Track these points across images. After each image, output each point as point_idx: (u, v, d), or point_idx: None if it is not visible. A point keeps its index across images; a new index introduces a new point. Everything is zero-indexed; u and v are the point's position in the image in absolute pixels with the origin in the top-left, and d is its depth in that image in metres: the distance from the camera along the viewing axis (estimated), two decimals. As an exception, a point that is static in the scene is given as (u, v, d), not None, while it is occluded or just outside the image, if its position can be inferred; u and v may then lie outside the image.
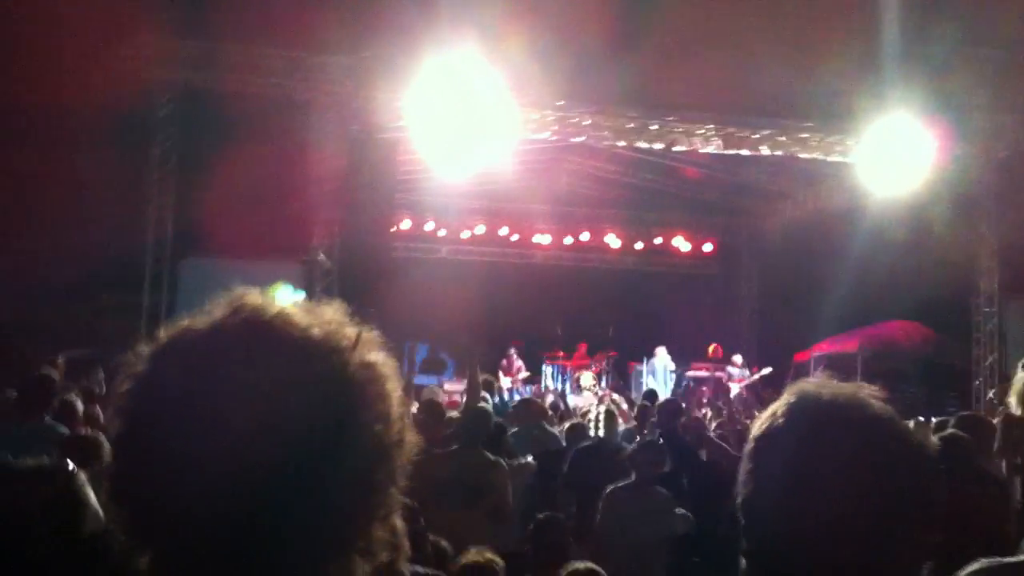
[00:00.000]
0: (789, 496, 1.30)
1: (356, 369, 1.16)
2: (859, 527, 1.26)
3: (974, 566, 1.77)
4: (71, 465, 2.36)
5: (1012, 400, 5.14)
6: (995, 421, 6.95)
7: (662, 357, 19.74)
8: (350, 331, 1.19)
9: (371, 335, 1.22)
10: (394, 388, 1.20)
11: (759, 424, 1.42)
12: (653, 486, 6.22)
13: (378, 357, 1.20)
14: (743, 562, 1.37)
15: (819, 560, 1.26)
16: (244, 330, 1.15)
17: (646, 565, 5.99)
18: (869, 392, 1.39)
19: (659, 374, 19.62)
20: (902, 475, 1.31)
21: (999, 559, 1.77)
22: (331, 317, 1.21)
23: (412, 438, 1.22)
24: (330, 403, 1.12)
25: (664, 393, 17.85)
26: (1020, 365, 5.60)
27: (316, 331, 1.16)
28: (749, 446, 1.41)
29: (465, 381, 15.39)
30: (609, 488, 6.14)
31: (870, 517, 1.26)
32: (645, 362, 19.97)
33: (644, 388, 18.98)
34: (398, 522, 1.22)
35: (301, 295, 15.25)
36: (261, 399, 1.08)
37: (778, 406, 1.42)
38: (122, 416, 1.16)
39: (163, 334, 1.19)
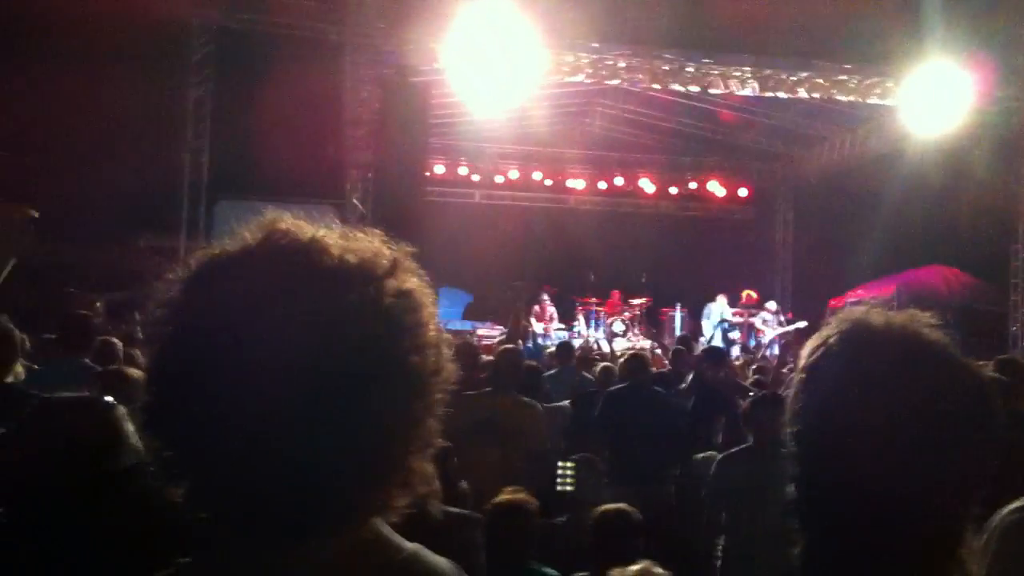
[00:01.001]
0: (845, 423, 1.27)
1: (392, 297, 1.14)
2: (915, 453, 1.24)
3: (1018, 503, 1.76)
4: (110, 398, 2.38)
5: None
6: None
7: (720, 303, 19.56)
8: (387, 258, 1.18)
9: (408, 261, 1.20)
10: (431, 316, 1.19)
11: (809, 352, 1.38)
12: (777, 447, 5.92)
13: (415, 284, 1.19)
14: (794, 493, 1.34)
15: (874, 487, 1.24)
16: (278, 256, 1.14)
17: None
18: (923, 319, 1.36)
19: (714, 320, 19.45)
20: (960, 400, 1.27)
21: None
22: (368, 243, 1.19)
23: (450, 368, 1.20)
24: (366, 332, 1.10)
25: (714, 340, 17.88)
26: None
27: (351, 257, 1.15)
28: (800, 375, 1.37)
29: (499, 327, 15.43)
30: (721, 455, 5.66)
31: (927, 442, 1.24)
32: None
33: (678, 334, 18.99)
34: (429, 466, 1.21)
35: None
36: (296, 327, 1.07)
37: (828, 332, 1.37)
38: (154, 345, 1.15)
39: (195, 259, 1.17)
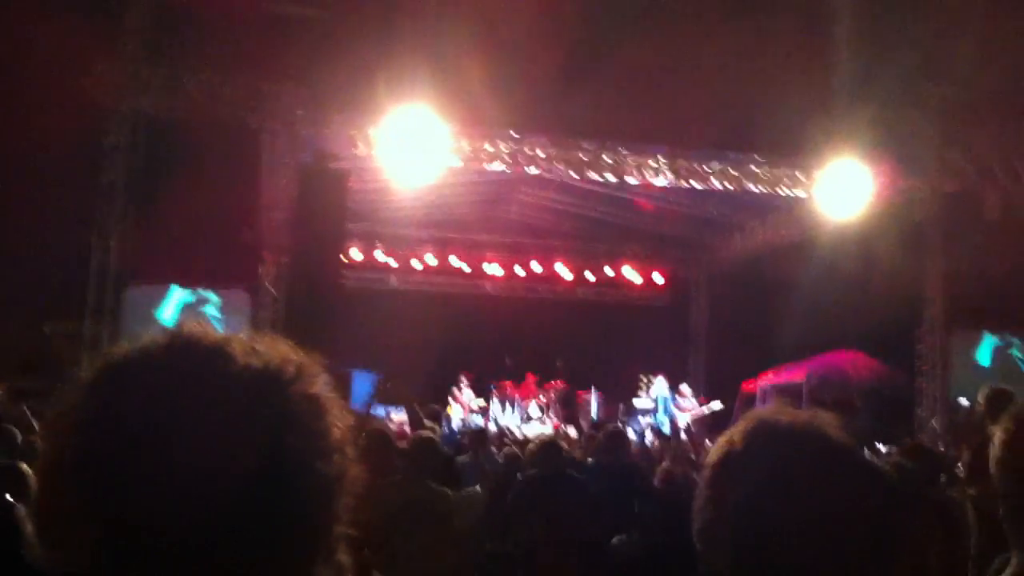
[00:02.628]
0: (749, 523, 1.28)
1: (298, 403, 1.12)
2: (819, 554, 1.25)
3: None
4: (7, 497, 2.28)
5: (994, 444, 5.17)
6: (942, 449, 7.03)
7: (661, 383, 19.53)
8: (293, 363, 1.15)
9: (314, 367, 1.18)
10: (337, 421, 1.16)
11: (716, 450, 1.41)
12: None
13: (321, 389, 1.16)
14: None
15: None
16: (183, 361, 1.11)
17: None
18: (824, 419, 1.39)
19: (660, 403, 19.41)
20: (862, 501, 1.30)
21: None
22: (274, 349, 1.16)
23: (355, 472, 1.17)
24: (272, 438, 1.07)
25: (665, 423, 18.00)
26: (959, 399, 5.66)
27: (257, 362, 1.12)
28: (706, 472, 1.39)
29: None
30: None
31: (830, 544, 1.25)
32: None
33: (592, 418, 19.01)
34: (344, 557, 1.18)
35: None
36: (199, 434, 1.04)
37: (735, 432, 1.41)
38: (49, 448, 1.11)
39: (98, 362, 1.14)
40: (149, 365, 1.11)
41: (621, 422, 18.92)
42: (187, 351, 1.12)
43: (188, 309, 15.31)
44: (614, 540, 6.70)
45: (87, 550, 1.05)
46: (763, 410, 1.42)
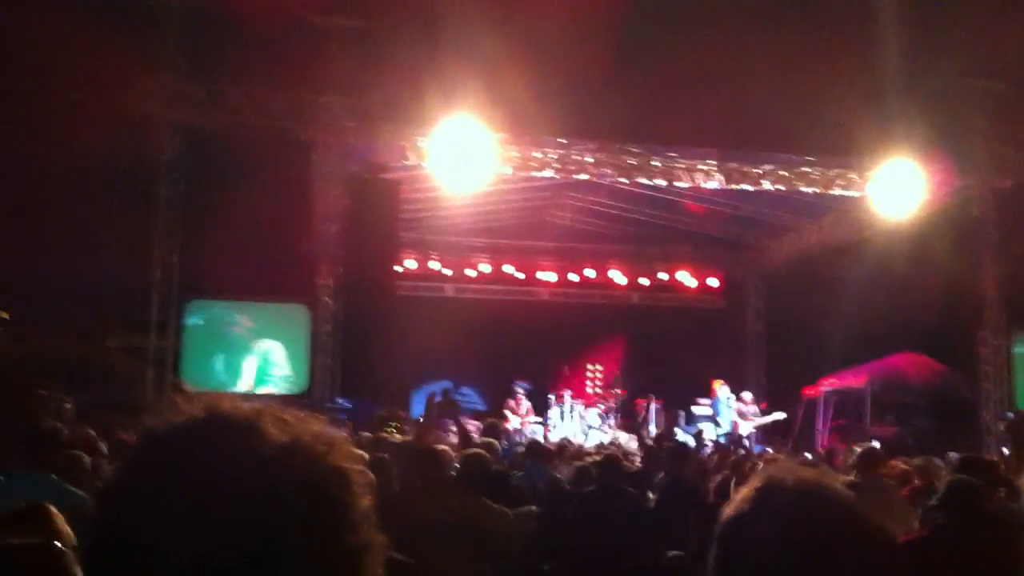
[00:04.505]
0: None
1: (327, 476, 1.16)
2: None
3: None
4: (60, 545, 2.35)
5: None
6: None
7: (725, 390, 19.39)
8: (323, 439, 1.19)
9: (345, 443, 1.22)
10: (363, 493, 1.20)
11: (729, 508, 1.49)
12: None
13: (349, 463, 1.20)
14: None
15: None
16: (218, 437, 1.15)
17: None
18: (831, 476, 1.49)
19: (722, 409, 19.21)
20: (858, 561, 1.38)
21: None
22: (306, 424, 1.21)
23: (380, 541, 1.21)
24: (302, 511, 1.11)
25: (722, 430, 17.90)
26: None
27: (288, 439, 1.16)
28: (718, 530, 1.48)
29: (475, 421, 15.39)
30: None
31: None
32: (651, 397, 19.77)
33: (652, 425, 18.93)
34: None
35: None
36: (226, 509, 1.08)
37: (747, 492, 1.49)
38: (98, 522, 1.16)
39: (140, 435, 1.19)
40: (184, 442, 1.16)
41: (681, 429, 18.86)
42: (223, 427, 1.17)
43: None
44: (669, 554, 6.69)
45: None
46: (774, 467, 1.51)
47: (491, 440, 9.76)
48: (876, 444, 9.45)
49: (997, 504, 5.94)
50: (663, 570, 6.71)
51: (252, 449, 1.15)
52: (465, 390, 19.03)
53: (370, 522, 1.20)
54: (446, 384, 19.38)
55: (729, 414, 18.71)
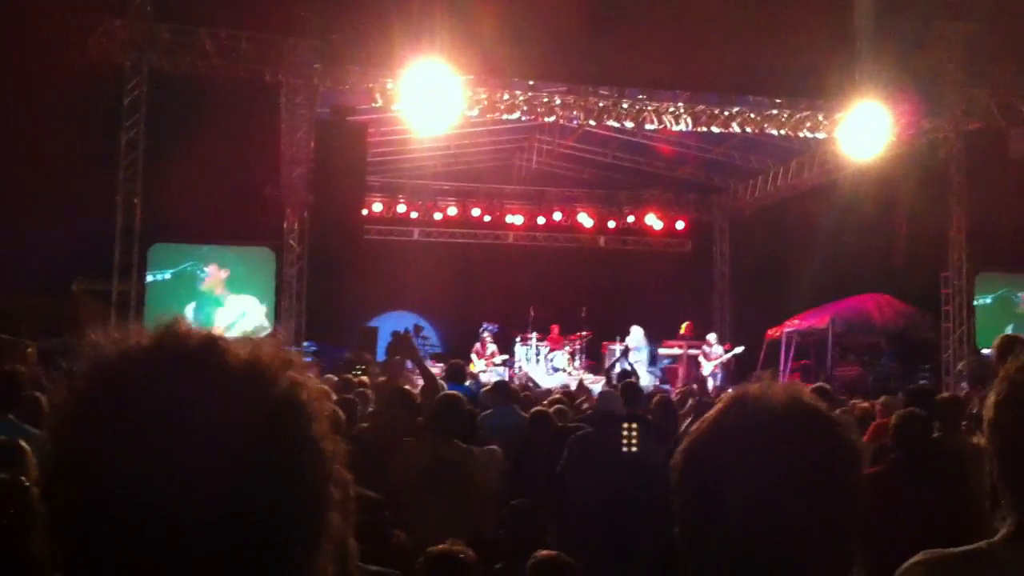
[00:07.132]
0: (718, 486, 1.31)
1: (283, 396, 1.13)
2: (788, 512, 1.27)
3: (916, 558, 1.77)
4: (26, 481, 2.33)
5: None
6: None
7: (636, 335, 19.45)
8: (280, 359, 1.16)
9: (302, 362, 1.19)
10: (323, 412, 1.17)
11: (696, 429, 1.41)
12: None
13: (309, 384, 1.17)
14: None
15: (748, 549, 1.28)
16: (164, 356, 1.12)
17: None
18: (800, 387, 1.40)
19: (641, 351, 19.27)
20: (828, 466, 1.31)
21: (941, 550, 1.76)
22: (263, 346, 1.18)
23: (342, 472, 1.19)
24: (257, 434, 1.09)
25: (642, 372, 17.81)
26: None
27: (242, 360, 1.13)
28: (684, 456, 1.39)
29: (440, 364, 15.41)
30: None
31: (797, 509, 1.28)
32: (617, 340, 19.78)
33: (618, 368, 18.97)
34: (352, 542, 1.20)
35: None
36: (183, 430, 1.05)
37: (716, 409, 1.41)
38: (50, 449, 1.13)
39: (87, 362, 1.15)
40: (137, 365, 1.12)
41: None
42: (172, 348, 1.13)
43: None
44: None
45: (74, 552, 1.07)
46: (746, 386, 1.42)
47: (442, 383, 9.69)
48: (826, 385, 9.48)
49: (956, 437, 6.02)
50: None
51: (207, 367, 1.11)
52: (426, 332, 18.90)
53: (332, 448, 1.17)
54: (417, 320, 19.28)
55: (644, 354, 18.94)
